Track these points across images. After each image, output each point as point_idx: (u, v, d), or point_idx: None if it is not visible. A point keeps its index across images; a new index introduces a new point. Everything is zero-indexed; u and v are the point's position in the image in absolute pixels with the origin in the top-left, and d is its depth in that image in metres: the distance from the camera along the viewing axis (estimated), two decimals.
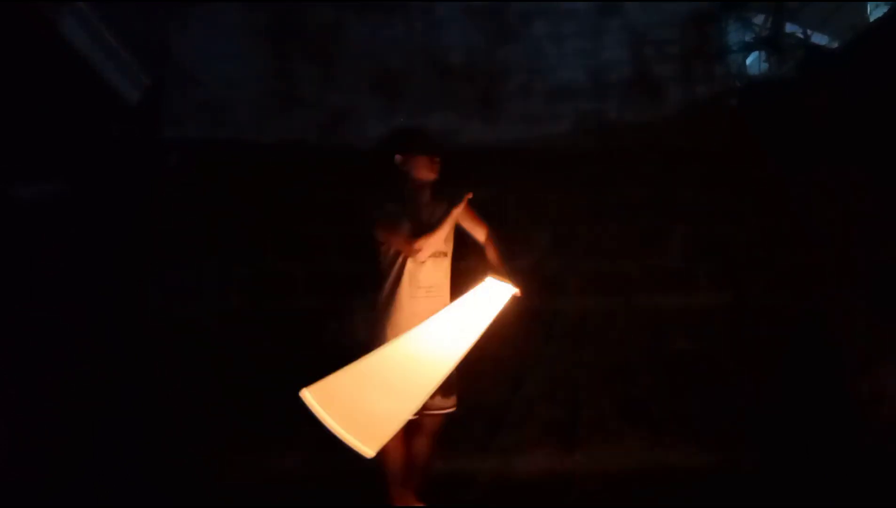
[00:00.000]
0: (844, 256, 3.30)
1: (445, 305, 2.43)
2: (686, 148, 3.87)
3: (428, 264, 2.45)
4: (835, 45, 3.94)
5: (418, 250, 2.38)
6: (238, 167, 3.87)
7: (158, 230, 3.72)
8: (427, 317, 2.35)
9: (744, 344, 3.65)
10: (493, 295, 2.36)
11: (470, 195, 2.40)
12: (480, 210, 2.64)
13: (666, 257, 3.83)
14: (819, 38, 4.18)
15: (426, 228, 2.40)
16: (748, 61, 4.35)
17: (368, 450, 2.09)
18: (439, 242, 2.43)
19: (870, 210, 3.16)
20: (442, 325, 2.32)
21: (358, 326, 3.74)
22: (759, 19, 4.25)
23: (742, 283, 3.73)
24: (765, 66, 4.23)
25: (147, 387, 3.49)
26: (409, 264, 2.43)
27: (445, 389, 2.39)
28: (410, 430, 2.43)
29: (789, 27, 4.16)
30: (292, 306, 3.75)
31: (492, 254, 2.58)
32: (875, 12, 3.86)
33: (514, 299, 2.41)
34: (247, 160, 3.88)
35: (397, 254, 2.46)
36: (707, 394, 3.58)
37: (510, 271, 2.46)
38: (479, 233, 2.63)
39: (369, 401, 2.17)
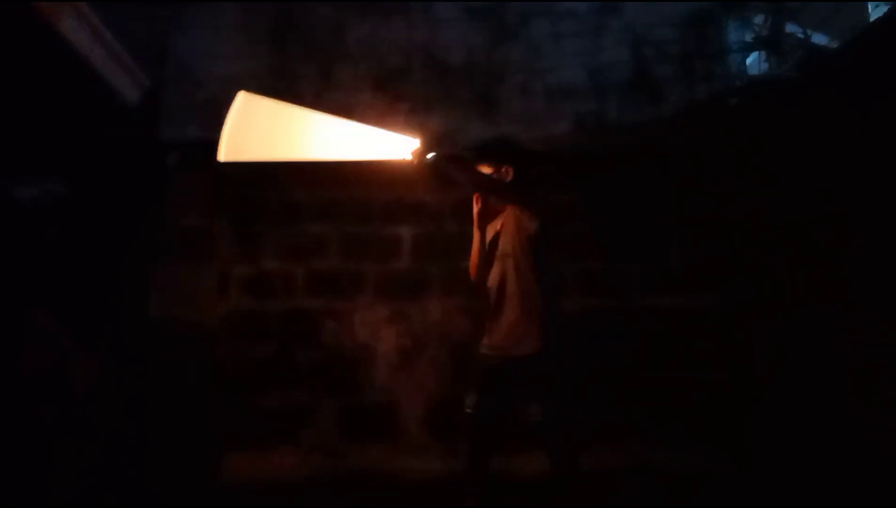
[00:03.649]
0: (844, 255, 3.30)
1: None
2: (686, 148, 3.87)
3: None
4: (835, 45, 3.92)
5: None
6: (238, 167, 3.86)
7: (158, 230, 3.72)
8: None
9: (742, 345, 3.65)
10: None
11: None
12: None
13: (666, 257, 3.84)
14: (819, 38, 4.16)
15: None
16: (748, 61, 4.33)
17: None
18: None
19: (869, 210, 3.16)
20: None
21: (358, 326, 3.74)
22: (759, 19, 4.24)
23: (740, 283, 3.73)
24: (765, 66, 4.21)
25: (146, 387, 3.48)
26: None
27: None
28: None
29: (789, 27, 4.15)
30: (292, 306, 3.75)
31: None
32: (875, 12, 3.85)
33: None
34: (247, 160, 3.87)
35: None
36: (706, 394, 3.58)
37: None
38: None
39: None
